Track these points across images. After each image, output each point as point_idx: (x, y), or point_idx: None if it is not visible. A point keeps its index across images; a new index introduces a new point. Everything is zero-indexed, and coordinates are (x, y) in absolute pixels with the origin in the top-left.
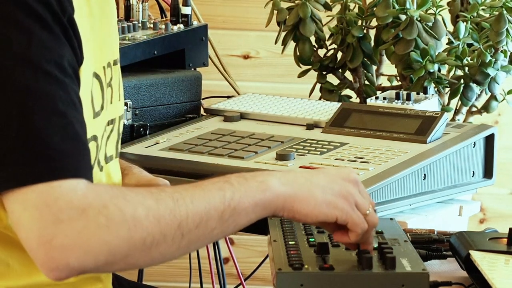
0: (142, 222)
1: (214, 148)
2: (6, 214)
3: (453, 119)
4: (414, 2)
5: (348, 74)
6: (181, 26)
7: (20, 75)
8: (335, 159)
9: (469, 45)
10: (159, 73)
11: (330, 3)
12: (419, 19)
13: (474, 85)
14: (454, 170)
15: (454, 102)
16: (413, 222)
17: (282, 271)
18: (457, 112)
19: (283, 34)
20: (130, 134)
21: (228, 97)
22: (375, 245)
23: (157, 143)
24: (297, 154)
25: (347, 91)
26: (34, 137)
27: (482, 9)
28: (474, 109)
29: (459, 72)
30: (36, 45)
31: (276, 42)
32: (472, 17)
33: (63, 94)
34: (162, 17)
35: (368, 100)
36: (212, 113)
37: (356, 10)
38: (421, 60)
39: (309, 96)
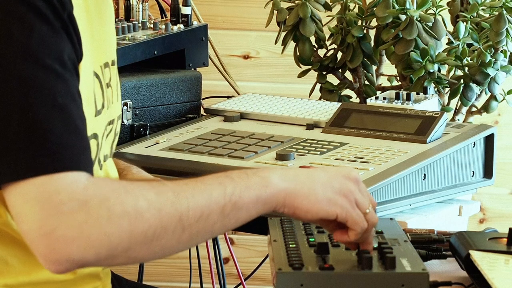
0: (143, 214)
1: (214, 148)
2: (5, 211)
3: (453, 119)
4: (414, 2)
5: (348, 74)
6: (181, 26)
7: (21, 68)
8: (335, 159)
9: (469, 45)
10: (159, 73)
11: (330, 3)
12: (419, 19)
13: (474, 85)
14: (454, 170)
15: (454, 102)
16: (413, 222)
17: (282, 271)
18: (457, 112)
19: (283, 34)
20: (130, 134)
21: (228, 97)
22: (375, 245)
23: (157, 143)
24: (297, 154)
25: (347, 91)
26: (35, 130)
27: (482, 9)
28: (474, 109)
29: (459, 72)
30: (36, 40)
31: (276, 42)
32: (472, 17)
33: (63, 88)
34: (162, 17)
35: (368, 100)
36: (212, 113)
37: (356, 10)
38: (421, 60)
39: (309, 96)
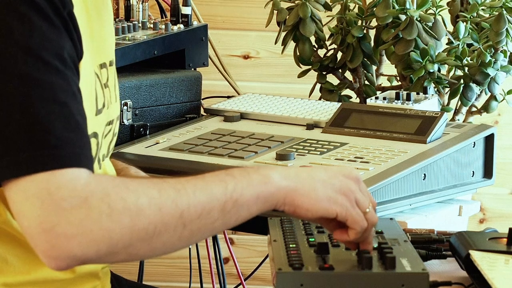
0: (144, 211)
1: (214, 148)
2: (5, 209)
3: (453, 119)
4: (414, 2)
5: (348, 74)
6: (181, 26)
7: (22, 65)
8: (335, 159)
9: (469, 45)
10: (159, 73)
11: (330, 3)
12: (419, 19)
13: (474, 85)
14: (454, 170)
15: (454, 102)
16: (413, 222)
17: (282, 271)
18: (457, 112)
19: (283, 34)
20: (130, 134)
21: (228, 97)
22: (375, 245)
23: (157, 143)
24: (297, 154)
25: (347, 91)
26: (35, 126)
27: (482, 9)
28: (474, 109)
29: (459, 72)
30: (37, 36)
31: (276, 42)
32: (472, 17)
33: (64, 84)
34: (162, 17)
35: (368, 100)
36: (212, 113)
37: (356, 10)
38: (421, 60)
39: (309, 96)
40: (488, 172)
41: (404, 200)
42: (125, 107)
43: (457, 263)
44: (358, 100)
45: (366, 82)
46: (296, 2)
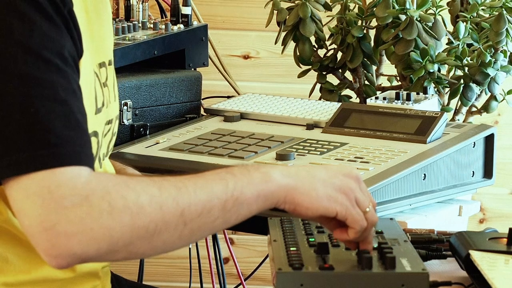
0: (145, 209)
1: (214, 148)
2: (6, 208)
3: (453, 119)
4: (414, 2)
5: (348, 74)
6: (181, 26)
7: (22, 63)
8: (335, 159)
9: (469, 45)
10: (159, 73)
11: (330, 3)
12: (419, 19)
13: (474, 85)
14: (454, 170)
15: (454, 102)
16: (413, 222)
17: (282, 271)
18: (457, 112)
19: (283, 34)
20: (130, 134)
21: (228, 97)
22: (375, 245)
23: (157, 143)
24: (297, 154)
25: (347, 91)
26: (36, 124)
27: (482, 9)
28: (474, 109)
29: (459, 72)
30: (37, 34)
31: (276, 42)
32: (472, 17)
33: (64, 82)
34: (162, 17)
35: (368, 100)
36: (212, 113)
37: (356, 10)
38: (421, 60)
39: (309, 96)
40: (488, 172)
41: (404, 200)
42: (125, 107)
43: (457, 263)
44: (358, 100)
45: (366, 82)
46: (296, 2)
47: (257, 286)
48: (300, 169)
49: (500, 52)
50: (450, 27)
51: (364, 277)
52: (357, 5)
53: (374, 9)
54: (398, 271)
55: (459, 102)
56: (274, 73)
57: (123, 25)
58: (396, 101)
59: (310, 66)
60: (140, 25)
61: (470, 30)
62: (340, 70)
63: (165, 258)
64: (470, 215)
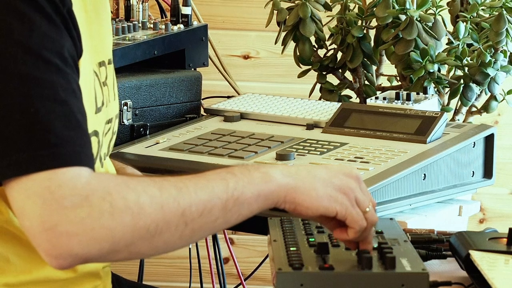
0: (145, 209)
1: (214, 148)
2: (7, 208)
3: (453, 119)
4: (414, 2)
5: (348, 74)
6: (181, 26)
7: (22, 63)
8: (335, 159)
9: (469, 45)
10: (159, 73)
11: (330, 3)
12: (419, 19)
13: (474, 85)
14: (453, 170)
15: (454, 102)
16: (413, 222)
17: (282, 271)
18: (457, 112)
19: (283, 34)
20: (130, 134)
21: (228, 97)
22: (375, 245)
23: (157, 143)
24: (297, 154)
25: (347, 91)
26: (36, 124)
27: (482, 9)
28: (474, 109)
29: (459, 72)
30: (37, 34)
31: (276, 42)
32: (472, 17)
33: (64, 82)
34: (162, 17)
35: (368, 100)
36: (212, 113)
37: (356, 10)
38: (421, 60)
39: (309, 96)
40: (488, 172)
41: (404, 200)
42: (125, 107)
43: (457, 263)
44: (358, 100)
45: (366, 82)
46: (296, 2)
47: (257, 286)
48: (300, 168)
49: (500, 52)
50: (450, 27)
51: (364, 277)
52: (357, 5)
53: (374, 9)
54: (398, 271)
55: (459, 102)
56: (274, 73)
57: (123, 25)
58: (396, 101)
59: (310, 66)
60: (140, 25)
61: (470, 30)
62: (340, 70)
63: (165, 258)
64: (470, 215)
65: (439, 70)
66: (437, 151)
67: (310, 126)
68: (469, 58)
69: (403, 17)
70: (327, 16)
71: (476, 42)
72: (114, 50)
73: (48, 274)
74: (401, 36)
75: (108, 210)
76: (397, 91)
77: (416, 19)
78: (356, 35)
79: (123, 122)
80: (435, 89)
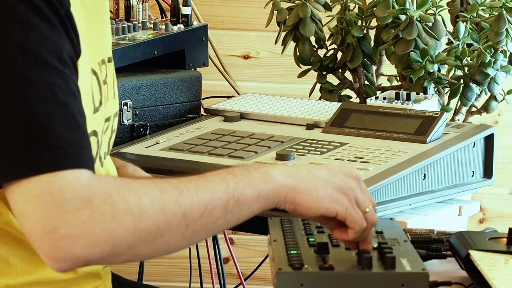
0: (147, 211)
1: (214, 148)
2: (7, 210)
3: (452, 119)
4: (414, 2)
5: (348, 74)
6: (181, 26)
7: (20, 65)
8: (335, 159)
9: (469, 45)
10: (159, 73)
11: (330, 3)
12: (419, 19)
13: (473, 85)
14: (453, 170)
15: (454, 102)
16: (413, 222)
17: (282, 271)
18: (456, 112)
19: (283, 34)
20: (130, 134)
21: (228, 97)
22: (375, 245)
23: (157, 143)
24: (297, 154)
25: (347, 91)
26: (36, 127)
27: (482, 9)
28: (473, 109)
29: (459, 72)
30: (35, 36)
31: (276, 42)
32: (471, 17)
33: (63, 84)
34: (162, 17)
35: (368, 100)
36: (212, 113)
37: (356, 10)
38: (421, 60)
39: (309, 96)
40: (488, 172)
41: (404, 200)
42: (125, 107)
43: (457, 263)
44: (358, 100)
45: (366, 82)
46: (296, 2)
47: (257, 286)
48: (300, 168)
49: (500, 52)
50: (450, 27)
51: (364, 277)
52: (357, 5)
53: (374, 9)
54: (398, 271)
55: (459, 102)
56: (274, 73)
57: (123, 25)
58: (396, 101)
59: (310, 66)
60: (140, 25)
61: (470, 30)
62: (340, 70)
63: (165, 258)
64: (470, 215)
65: (439, 70)
66: (437, 151)
67: (310, 126)
68: (469, 58)
69: (403, 17)
70: (327, 16)
71: (476, 42)
72: (114, 50)
73: (48, 275)
74: (401, 36)
75: (109, 212)
76: (397, 91)
77: (416, 19)
78: (356, 35)
79: (123, 122)
80: (435, 89)
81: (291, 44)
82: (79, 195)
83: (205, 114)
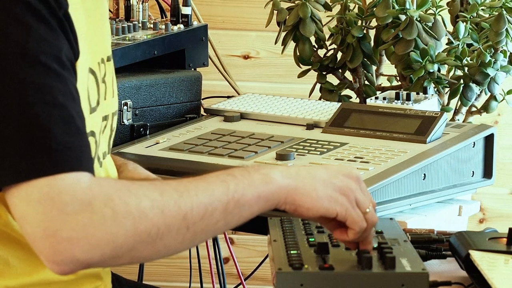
0: (147, 214)
1: (214, 148)
2: (6, 211)
3: (452, 119)
4: (414, 2)
5: (348, 74)
6: (181, 26)
7: (19, 68)
8: (335, 159)
9: (469, 45)
10: (159, 73)
11: (330, 3)
12: (419, 19)
13: (473, 85)
14: (453, 170)
15: (454, 102)
16: (413, 222)
17: (282, 271)
18: (456, 112)
19: (283, 34)
20: (130, 134)
21: (228, 97)
22: (375, 245)
23: (157, 143)
24: (297, 154)
25: (347, 91)
26: (35, 130)
27: (482, 9)
28: (473, 109)
29: (459, 72)
30: (34, 39)
31: (276, 42)
32: (471, 17)
33: (62, 87)
34: (162, 17)
35: (368, 100)
36: (212, 113)
37: (356, 10)
38: (421, 60)
39: (309, 96)
40: (488, 172)
41: (404, 200)
42: (125, 107)
43: (457, 263)
44: (358, 100)
45: (366, 82)
46: (296, 2)
47: (257, 286)
48: (300, 169)
49: (500, 52)
50: (450, 27)
51: (364, 277)
52: (357, 5)
53: (374, 9)
54: (398, 271)
55: (459, 102)
56: (274, 73)
57: (123, 25)
58: (396, 101)
59: (310, 66)
60: (140, 25)
61: (470, 30)
62: (340, 70)
63: (165, 258)
64: (470, 215)
65: (439, 70)
66: (437, 151)
67: (310, 126)
68: (469, 58)
69: (403, 17)
70: (327, 16)
71: (476, 42)
72: (114, 50)
73: (48, 276)
74: (401, 36)
75: (109, 215)
76: (397, 91)
77: (416, 19)
78: (356, 35)
79: (123, 122)
80: (435, 89)
81: (291, 44)
82: (79, 198)
83: (205, 114)
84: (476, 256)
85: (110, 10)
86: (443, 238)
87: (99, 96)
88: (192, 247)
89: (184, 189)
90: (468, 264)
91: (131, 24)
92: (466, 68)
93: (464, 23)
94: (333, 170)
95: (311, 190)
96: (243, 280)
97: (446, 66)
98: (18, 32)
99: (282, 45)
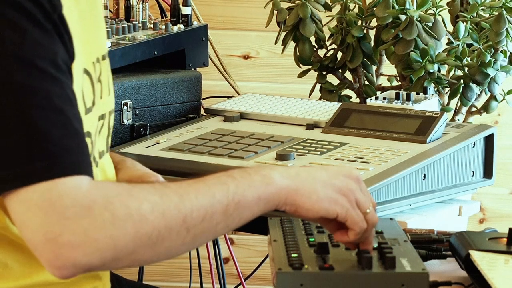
0: (147, 217)
1: (214, 148)
2: (4, 215)
3: (452, 119)
4: (414, 2)
5: (348, 74)
6: (181, 26)
7: (15, 73)
8: (335, 159)
9: (469, 45)
10: (159, 73)
11: (330, 3)
12: (419, 19)
13: (473, 85)
14: (453, 170)
15: (454, 102)
16: (413, 222)
17: (282, 271)
18: (456, 112)
19: (283, 34)
20: (130, 134)
21: (228, 97)
22: (375, 245)
23: (157, 143)
24: (297, 154)
25: (347, 91)
26: (34, 135)
27: (482, 9)
28: (473, 109)
29: (459, 72)
30: (29, 43)
31: (276, 42)
32: (471, 17)
33: (58, 90)
34: (162, 17)
35: (368, 100)
36: (212, 113)
37: (356, 10)
38: (421, 60)
39: (309, 96)
40: (488, 172)
41: (404, 200)
42: (125, 107)
43: (457, 263)
44: (358, 100)
45: (366, 82)
46: (296, 2)
47: (257, 286)
48: (300, 170)
49: (500, 52)
50: (450, 27)
51: (364, 277)
52: (357, 5)
53: (374, 9)
54: (398, 271)
55: (459, 102)
56: (274, 73)
57: (123, 25)
58: (396, 101)
59: (310, 66)
60: (140, 25)
61: (470, 30)
62: (340, 70)
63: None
64: (470, 215)
65: (439, 70)
66: (437, 151)
67: (310, 126)
68: (469, 58)
69: (403, 17)
70: (327, 16)
71: (476, 42)
72: (114, 50)
73: (47, 278)
74: (401, 36)
75: (110, 219)
76: (397, 91)
77: (416, 19)
78: (356, 35)
79: (123, 122)
80: (435, 89)
81: (291, 44)
82: (80, 202)
83: (205, 114)
84: (476, 256)
85: (110, 10)
86: (443, 238)
87: (95, 96)
88: (193, 249)
89: (184, 191)
90: (468, 264)
91: (131, 24)
92: (466, 68)
93: (464, 23)
94: (333, 171)
95: (311, 191)
96: (243, 280)
97: (446, 66)
98: (12, 37)
99: (282, 45)
